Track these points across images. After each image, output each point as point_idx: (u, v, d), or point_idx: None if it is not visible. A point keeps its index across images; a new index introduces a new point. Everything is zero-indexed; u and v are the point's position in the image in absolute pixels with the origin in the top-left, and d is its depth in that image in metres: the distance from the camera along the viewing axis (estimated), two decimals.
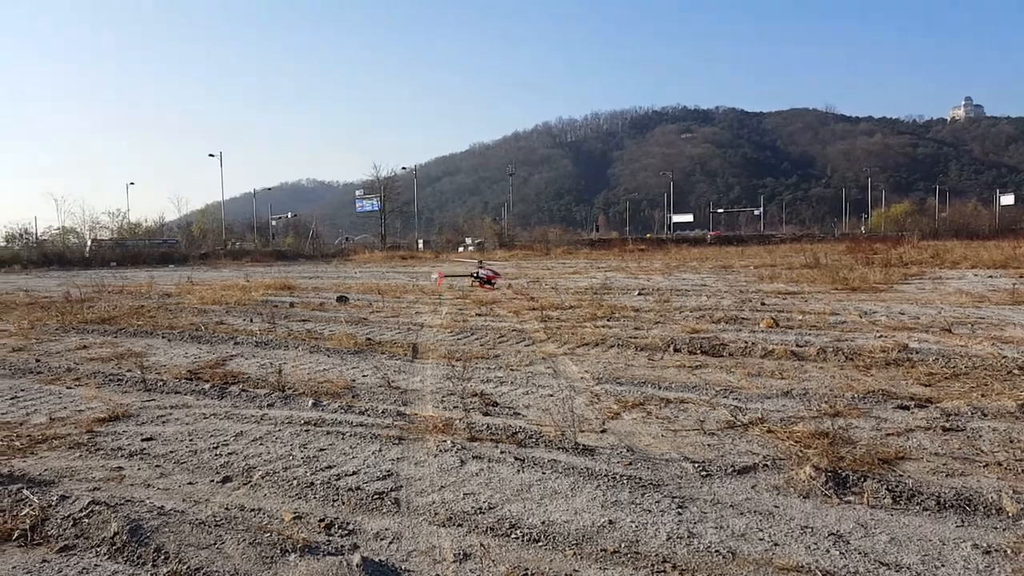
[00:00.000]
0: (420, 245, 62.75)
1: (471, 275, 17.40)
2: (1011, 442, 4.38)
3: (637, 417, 5.13)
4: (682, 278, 20.12)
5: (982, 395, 5.57)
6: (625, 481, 3.86)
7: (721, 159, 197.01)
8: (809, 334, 8.90)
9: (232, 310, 12.84)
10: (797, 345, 7.96)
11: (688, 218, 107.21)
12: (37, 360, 7.88)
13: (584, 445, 4.44)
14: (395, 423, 5.03)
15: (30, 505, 3.48)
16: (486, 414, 5.24)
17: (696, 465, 4.09)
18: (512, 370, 6.92)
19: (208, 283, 20.26)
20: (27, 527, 3.25)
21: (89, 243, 52.32)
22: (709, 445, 4.49)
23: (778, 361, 7.21)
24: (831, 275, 17.79)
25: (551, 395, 5.84)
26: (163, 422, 5.18)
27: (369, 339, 9.03)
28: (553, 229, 72.62)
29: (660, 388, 6.06)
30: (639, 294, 14.78)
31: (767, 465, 4.09)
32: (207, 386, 6.30)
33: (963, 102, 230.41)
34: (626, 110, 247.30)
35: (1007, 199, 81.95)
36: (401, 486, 3.81)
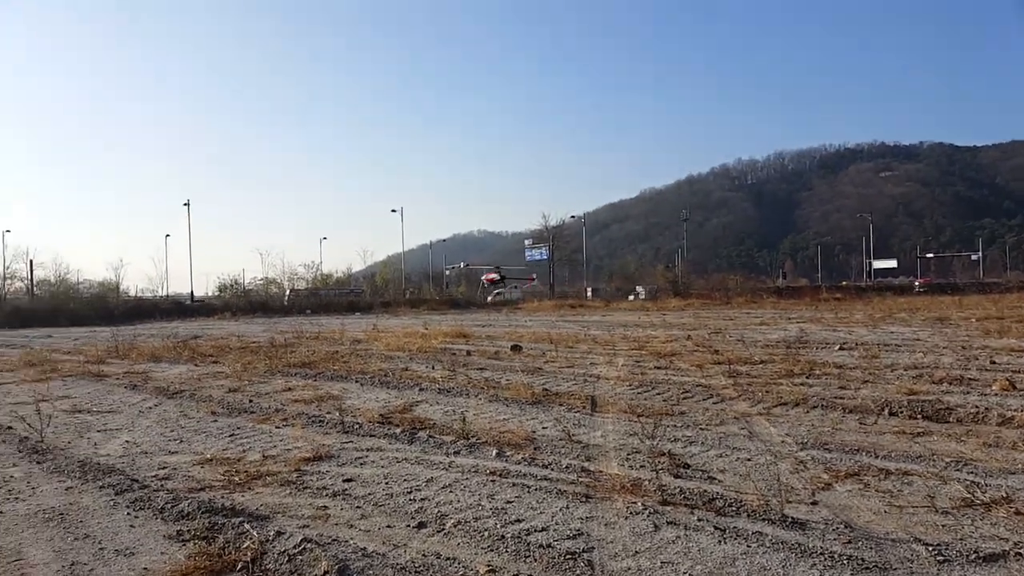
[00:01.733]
0: (589, 293, 62.69)
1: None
2: None
3: (852, 489, 4.55)
4: (890, 331, 18.11)
5: None
6: (845, 561, 3.39)
7: (928, 199, 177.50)
8: None
9: (415, 357, 13.51)
10: None
11: (891, 264, 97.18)
12: (250, 401, 8.67)
13: (793, 517, 3.99)
14: (580, 479, 4.88)
15: (250, 538, 3.75)
16: (677, 476, 4.92)
17: (930, 548, 3.52)
18: (701, 429, 6.50)
19: (391, 330, 21.62)
20: (248, 560, 3.49)
21: (288, 292, 58.28)
22: (943, 526, 3.86)
23: (1020, 430, 6.15)
24: None
25: (749, 459, 5.38)
26: (361, 464, 5.44)
27: (546, 389, 9.01)
28: (733, 276, 69.23)
29: (877, 457, 5.36)
30: (840, 349, 13.45)
31: (1020, 554, 3.43)
32: (398, 431, 6.59)
33: None
34: (814, 148, 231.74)
35: None
36: (592, 547, 3.63)
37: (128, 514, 4.33)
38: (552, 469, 5.17)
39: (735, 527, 3.87)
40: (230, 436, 6.65)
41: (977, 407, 7.03)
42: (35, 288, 51.85)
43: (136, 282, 66.47)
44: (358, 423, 6.99)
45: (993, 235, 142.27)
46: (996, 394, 7.96)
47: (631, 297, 55.60)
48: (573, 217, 76.74)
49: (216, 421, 7.45)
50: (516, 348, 14.55)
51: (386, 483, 4.87)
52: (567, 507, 4.28)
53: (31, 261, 52.78)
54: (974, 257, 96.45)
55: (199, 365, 13.00)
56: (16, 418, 7.60)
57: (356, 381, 10.27)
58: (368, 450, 5.89)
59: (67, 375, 11.84)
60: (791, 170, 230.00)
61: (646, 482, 4.69)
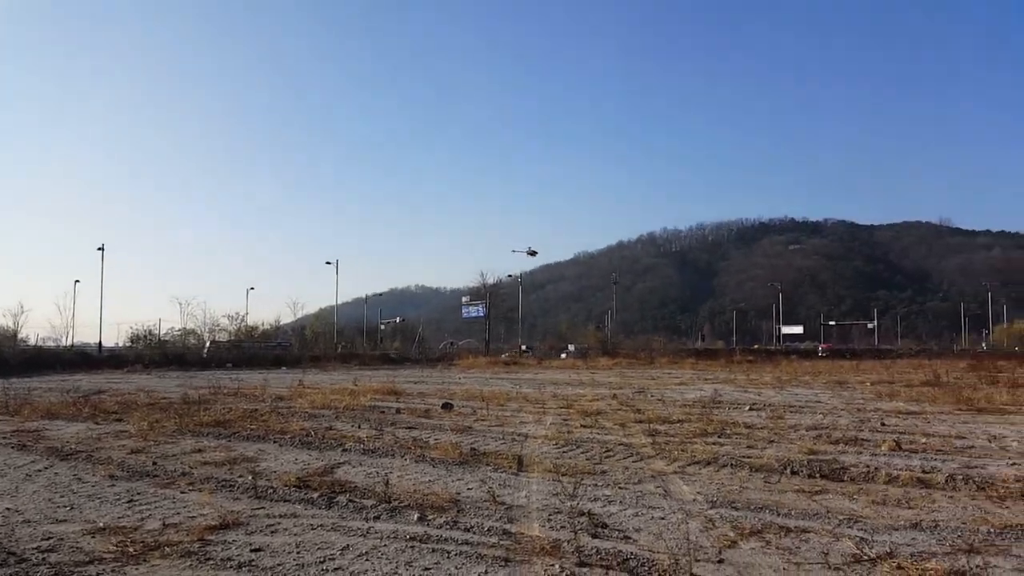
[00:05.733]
0: (523, 350, 62.92)
1: None
2: None
3: (755, 546, 4.79)
4: (795, 393, 19.08)
5: None
6: None
7: (831, 271, 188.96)
8: (935, 459, 8.25)
9: (341, 415, 13.20)
10: (923, 471, 7.37)
11: (798, 330, 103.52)
12: (154, 463, 8.14)
13: None
14: (501, 542, 4.92)
15: None
16: (595, 536, 5.04)
17: None
18: (620, 488, 6.68)
19: (318, 387, 21.00)
20: None
21: (208, 344, 54.53)
22: None
23: (904, 488, 6.67)
24: (954, 394, 16.72)
25: (662, 518, 5.58)
26: (272, 532, 5.27)
27: (474, 449, 9.03)
28: (657, 338, 71.77)
29: (779, 515, 5.66)
30: (750, 409, 14.08)
31: None
32: (315, 495, 6.41)
33: None
34: (731, 221, 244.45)
35: None
36: None
37: None
38: (474, 532, 5.18)
39: None
40: (128, 502, 6.24)
41: (868, 466, 7.59)
42: None
43: (38, 330, 61.10)
44: (272, 487, 6.75)
45: (887, 306, 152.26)
46: (885, 454, 8.62)
47: (563, 355, 56.13)
48: (510, 276, 77.28)
49: (114, 486, 6.96)
50: (447, 406, 14.45)
51: (298, 552, 4.73)
52: (486, 573, 4.30)
53: None
54: (870, 325, 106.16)
55: (100, 423, 12.15)
56: None
57: (274, 442, 9.89)
58: (281, 516, 5.71)
59: None
60: (711, 240, 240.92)
61: (565, 543, 4.77)
